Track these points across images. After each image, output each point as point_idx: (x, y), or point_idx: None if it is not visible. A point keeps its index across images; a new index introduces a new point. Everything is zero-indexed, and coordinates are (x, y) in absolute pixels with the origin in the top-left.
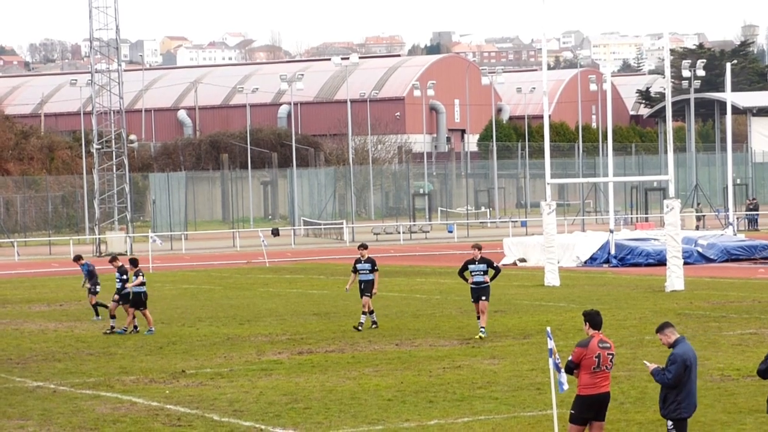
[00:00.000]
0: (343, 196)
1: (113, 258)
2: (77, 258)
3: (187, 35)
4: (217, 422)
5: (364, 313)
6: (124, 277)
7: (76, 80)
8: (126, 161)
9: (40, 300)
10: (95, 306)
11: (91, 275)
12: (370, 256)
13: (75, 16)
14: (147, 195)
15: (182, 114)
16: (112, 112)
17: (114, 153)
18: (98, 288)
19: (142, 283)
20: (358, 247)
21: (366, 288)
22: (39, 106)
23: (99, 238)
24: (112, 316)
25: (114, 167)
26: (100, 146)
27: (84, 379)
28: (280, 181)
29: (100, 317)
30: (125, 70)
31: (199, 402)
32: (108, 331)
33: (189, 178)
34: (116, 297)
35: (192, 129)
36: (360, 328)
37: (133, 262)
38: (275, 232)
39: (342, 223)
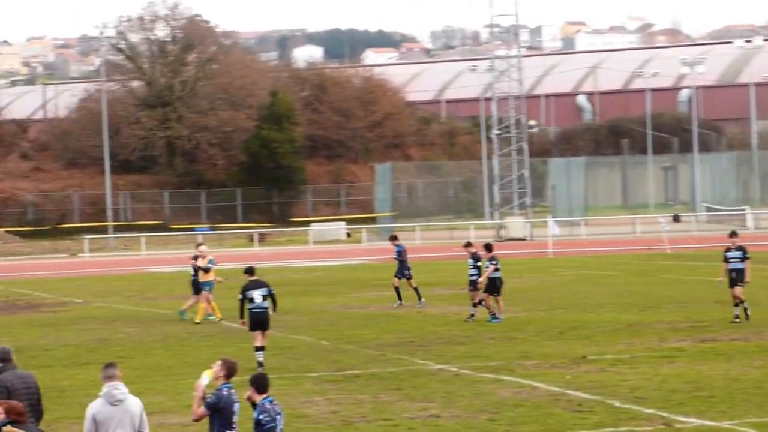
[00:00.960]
0: (746, 181)
1: (467, 244)
2: (393, 237)
3: (587, 20)
4: (619, 409)
5: (736, 304)
6: (478, 263)
7: (476, 66)
8: (526, 146)
9: (441, 284)
10: (397, 289)
11: (401, 257)
12: (740, 244)
13: (476, 2)
14: (546, 180)
15: (581, 99)
16: (511, 98)
17: (513, 138)
18: (407, 272)
19: (497, 269)
20: (729, 235)
21: (737, 277)
22: (439, 93)
23: (499, 224)
24: (474, 305)
25: (514, 153)
26: (500, 132)
27: (485, 363)
28: (681, 166)
29: (402, 302)
30: (524, 56)
31: (600, 388)
32: (469, 318)
33: (588, 163)
34: (479, 284)
35: (591, 114)
36: (738, 320)
37: (488, 247)
38: (676, 218)
39: (745, 210)
